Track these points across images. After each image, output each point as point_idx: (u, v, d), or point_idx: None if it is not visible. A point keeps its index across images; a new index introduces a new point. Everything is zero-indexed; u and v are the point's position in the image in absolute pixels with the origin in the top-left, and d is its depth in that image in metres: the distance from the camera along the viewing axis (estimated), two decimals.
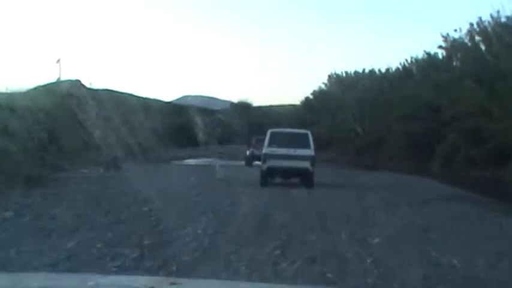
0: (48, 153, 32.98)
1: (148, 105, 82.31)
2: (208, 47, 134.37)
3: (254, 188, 20.57)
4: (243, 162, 40.81)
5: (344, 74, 57.22)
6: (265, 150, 21.17)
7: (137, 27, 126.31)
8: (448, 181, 27.35)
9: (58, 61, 52.37)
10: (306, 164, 20.52)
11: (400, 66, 47.87)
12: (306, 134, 21.63)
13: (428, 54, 44.51)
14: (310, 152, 20.77)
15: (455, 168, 34.25)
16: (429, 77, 41.92)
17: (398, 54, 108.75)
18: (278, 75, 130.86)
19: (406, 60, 47.74)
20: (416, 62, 45.88)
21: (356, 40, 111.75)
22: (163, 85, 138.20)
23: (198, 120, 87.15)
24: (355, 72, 56.15)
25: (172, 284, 2.30)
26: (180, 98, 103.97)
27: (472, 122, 31.80)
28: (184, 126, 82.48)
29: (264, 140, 22.15)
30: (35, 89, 52.93)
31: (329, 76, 58.48)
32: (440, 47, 43.86)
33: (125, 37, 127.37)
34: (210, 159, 49.93)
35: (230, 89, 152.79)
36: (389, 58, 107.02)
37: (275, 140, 21.04)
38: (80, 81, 62.60)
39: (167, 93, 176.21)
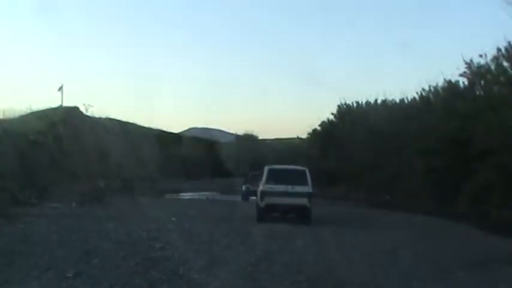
0: (15, 184, 28.12)
1: (152, 136, 78.42)
2: (216, 79, 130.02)
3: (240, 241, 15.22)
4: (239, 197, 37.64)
5: (355, 105, 51.82)
6: (263, 187, 20.51)
7: (148, 59, 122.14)
8: (488, 228, 21.77)
9: (60, 88, 49.40)
10: (304, 201, 20.08)
11: (416, 96, 42.45)
12: (304, 171, 21.08)
13: (449, 82, 39.15)
14: (308, 188, 20.32)
15: (486, 210, 28.65)
16: (451, 107, 36.50)
17: (412, 84, 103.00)
18: (285, 108, 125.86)
19: (424, 89, 42.34)
20: (435, 90, 40.44)
21: (366, 70, 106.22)
22: (170, 117, 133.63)
23: (200, 152, 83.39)
24: (367, 102, 50.82)
25: None
26: (187, 130, 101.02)
27: (510, 155, 26.28)
28: (187, 158, 79.32)
29: (259, 175, 21.80)
30: (27, 115, 48.55)
31: (338, 107, 53.06)
32: (462, 74, 38.67)
33: (134, 69, 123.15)
34: (208, 193, 44.86)
35: (237, 122, 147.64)
36: (403, 88, 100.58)
37: (272, 177, 20.49)
38: (78, 108, 58.30)
39: (174, 125, 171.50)
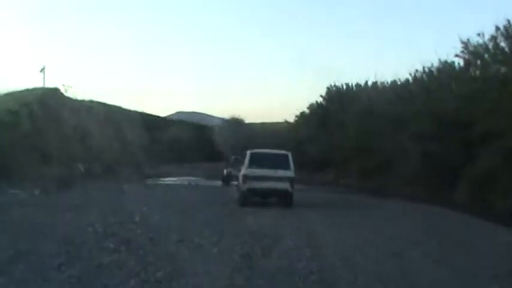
0: None
1: (137, 119, 75.59)
2: (203, 63, 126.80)
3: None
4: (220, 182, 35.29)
5: (344, 87, 48.99)
6: (245, 171, 20.05)
7: (135, 43, 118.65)
8: (493, 219, 19.13)
9: (42, 70, 48.05)
10: (286, 186, 19.75)
11: (410, 77, 39.72)
12: (286, 155, 20.51)
13: (445, 62, 36.50)
14: (290, 173, 19.89)
15: (488, 198, 26.11)
16: (447, 88, 33.91)
17: (404, 66, 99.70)
18: (273, 91, 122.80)
19: (417, 70, 39.65)
20: (429, 71, 37.73)
21: (356, 51, 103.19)
22: (157, 101, 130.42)
23: (188, 136, 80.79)
24: (357, 85, 47.99)
25: None
26: (174, 114, 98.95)
27: None
28: (174, 142, 76.86)
29: (241, 159, 21.57)
30: (2, 95, 45.78)
31: (328, 89, 50.21)
32: (458, 55, 36.04)
33: (122, 52, 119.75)
34: (192, 178, 42.05)
35: (224, 106, 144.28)
36: (395, 70, 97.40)
37: (255, 161, 20.09)
38: (58, 89, 55.31)
39: (161, 109, 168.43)
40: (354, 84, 48.45)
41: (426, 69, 38.43)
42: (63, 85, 52.02)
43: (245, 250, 10.25)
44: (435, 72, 37.21)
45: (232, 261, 9.27)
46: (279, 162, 20.07)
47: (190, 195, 23.98)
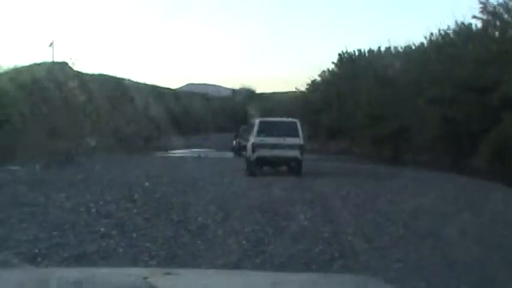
0: None
1: (147, 92, 74.60)
2: (213, 34, 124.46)
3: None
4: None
5: (357, 53, 47.09)
6: (254, 139, 19.68)
7: (144, 17, 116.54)
8: None
9: (51, 44, 47.60)
10: (296, 153, 19.42)
11: (425, 41, 37.81)
12: (295, 123, 20.45)
13: (462, 24, 34.62)
14: (299, 140, 19.70)
15: (509, 165, 24.58)
16: (465, 51, 32.14)
17: (418, 30, 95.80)
18: (283, 59, 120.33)
19: (432, 34, 37.75)
20: (445, 34, 35.85)
21: (366, 17, 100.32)
22: (168, 73, 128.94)
23: (198, 107, 79.70)
24: (370, 50, 46.06)
25: (167, 274, 2.19)
26: (184, 86, 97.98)
27: None
28: (184, 113, 76.06)
29: (250, 129, 21.42)
30: (9, 70, 44.92)
31: (339, 55, 48.23)
32: (475, 16, 34.13)
33: (132, 25, 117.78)
34: (202, 150, 40.79)
35: (235, 77, 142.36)
36: (408, 35, 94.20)
37: (264, 129, 19.78)
38: (66, 63, 54.18)
39: (172, 81, 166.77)
40: (366, 50, 46.58)
41: (442, 32, 36.65)
42: (71, 58, 51.08)
43: (254, 231, 8.86)
44: (452, 35, 35.40)
45: (239, 246, 7.89)
46: (288, 130, 19.80)
47: (198, 168, 22.60)
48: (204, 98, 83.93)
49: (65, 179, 17.07)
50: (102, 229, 8.88)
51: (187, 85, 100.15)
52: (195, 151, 39.62)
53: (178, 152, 38.99)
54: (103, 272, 2.49)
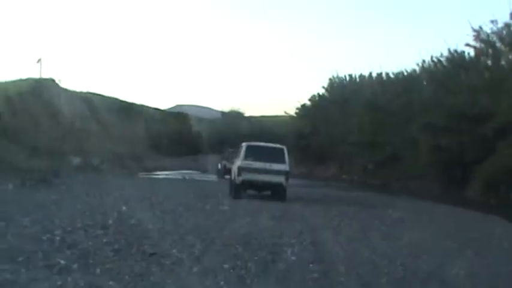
0: None
1: (136, 112, 73.53)
2: (204, 56, 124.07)
3: None
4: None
5: (347, 78, 46.35)
6: (241, 163, 19.62)
7: (135, 38, 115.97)
8: None
9: (39, 61, 48.65)
10: (281, 179, 19.27)
11: (417, 68, 37.15)
12: (282, 149, 20.23)
13: (455, 52, 34.00)
14: (285, 167, 19.53)
15: (505, 196, 23.68)
16: (458, 79, 31.47)
17: (409, 57, 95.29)
18: (274, 84, 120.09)
19: (424, 61, 37.09)
20: (438, 61, 35.18)
21: (357, 43, 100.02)
22: (158, 94, 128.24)
23: (187, 129, 78.57)
24: (360, 76, 45.40)
25: None
26: (174, 107, 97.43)
27: None
28: (172, 135, 74.86)
29: (236, 152, 21.31)
30: None
31: (330, 80, 47.55)
32: (468, 44, 33.57)
33: (125, 45, 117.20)
34: (188, 172, 39.63)
35: (224, 100, 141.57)
36: (399, 61, 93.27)
37: (250, 154, 19.68)
38: (53, 80, 53.08)
39: (162, 102, 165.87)
40: (357, 76, 45.92)
41: (435, 59, 36.01)
42: (57, 75, 50.23)
43: (235, 268, 7.75)
44: (444, 62, 34.73)
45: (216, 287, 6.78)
46: (275, 156, 19.70)
47: (181, 191, 21.43)
48: (195, 119, 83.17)
49: (37, 200, 15.86)
50: (62, 262, 7.73)
51: (176, 106, 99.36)
52: (181, 173, 38.41)
53: (163, 174, 37.70)
54: None
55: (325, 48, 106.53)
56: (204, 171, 40.70)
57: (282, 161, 19.57)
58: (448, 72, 33.76)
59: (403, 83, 36.22)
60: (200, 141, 77.39)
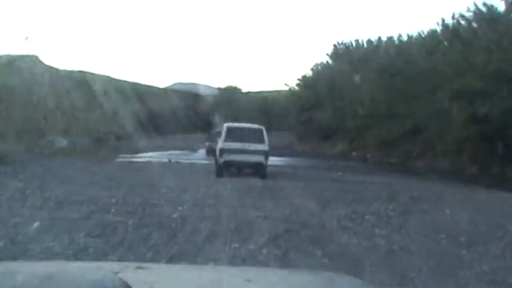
0: None
1: (128, 89, 68.86)
2: (201, 32, 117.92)
3: None
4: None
5: (354, 44, 40.41)
6: (222, 144, 19.94)
7: (132, 15, 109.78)
8: None
9: (26, 38, 50.67)
10: (260, 158, 19.52)
11: (438, 28, 31.29)
12: (261, 130, 20.56)
13: (484, 5, 28.24)
14: (264, 147, 19.79)
15: None
16: (494, 35, 25.72)
17: (418, 20, 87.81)
18: (273, 57, 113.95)
19: (443, 20, 31.27)
20: (464, 19, 29.37)
21: (360, 8, 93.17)
22: (155, 73, 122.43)
23: (183, 106, 74.05)
24: (368, 41, 39.46)
25: (138, 268, 2.05)
26: (172, 85, 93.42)
27: None
28: (168, 112, 71.48)
29: (219, 133, 21.50)
30: None
31: (334, 46, 41.63)
32: None
33: (120, 24, 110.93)
34: (176, 152, 34.11)
35: (222, 76, 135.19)
36: (408, 25, 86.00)
37: (231, 135, 20.06)
38: (37, 57, 48.39)
39: (160, 80, 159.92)
40: (365, 41, 39.99)
41: (458, 17, 30.22)
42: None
43: None
44: (473, 17, 28.92)
45: None
46: (254, 136, 20.01)
47: (156, 180, 15.83)
48: (189, 96, 78.86)
49: None
50: None
51: (175, 84, 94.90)
52: (168, 154, 32.82)
53: (147, 156, 32.06)
54: (73, 266, 2.19)
55: (327, 16, 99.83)
56: (194, 150, 35.21)
57: (261, 141, 19.82)
58: (476, 30, 28.03)
59: (423, 45, 30.34)
60: (196, 119, 72.94)
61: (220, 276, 2.30)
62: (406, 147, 28.12)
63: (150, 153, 34.14)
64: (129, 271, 1.97)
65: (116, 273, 1.90)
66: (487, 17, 28.63)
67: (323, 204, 11.16)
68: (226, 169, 19.79)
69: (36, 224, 7.93)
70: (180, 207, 10.21)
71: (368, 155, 31.87)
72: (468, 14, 29.64)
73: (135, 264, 2.09)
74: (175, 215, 9.39)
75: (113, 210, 9.75)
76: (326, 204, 11.24)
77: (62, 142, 41.17)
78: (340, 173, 20.59)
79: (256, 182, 16.08)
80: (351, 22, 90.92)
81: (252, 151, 19.42)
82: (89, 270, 2.08)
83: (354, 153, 34.16)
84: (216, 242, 7.49)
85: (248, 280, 2.03)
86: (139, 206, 10.32)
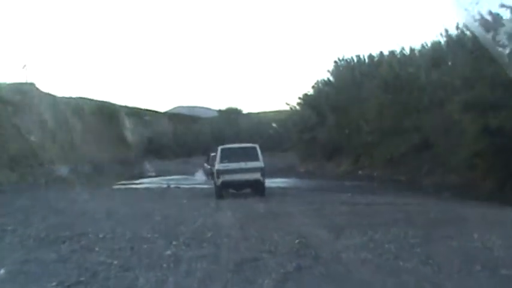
0: None
1: (131, 115, 68.73)
2: (201, 55, 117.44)
3: None
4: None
5: (355, 59, 39.33)
6: (218, 166, 20.09)
7: (135, 39, 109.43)
8: None
9: (24, 66, 49.20)
10: (257, 176, 19.92)
11: (441, 39, 30.25)
12: (255, 148, 20.65)
13: (489, 13, 27.18)
14: (259, 164, 20.05)
15: None
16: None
17: (419, 32, 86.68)
18: (272, 78, 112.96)
19: (447, 31, 30.24)
20: (468, 29, 28.30)
21: (359, 24, 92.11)
22: (155, 97, 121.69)
23: (185, 130, 73.24)
24: (370, 56, 38.43)
25: None
26: (173, 109, 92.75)
27: None
28: (169, 136, 71.17)
29: (215, 156, 21.22)
30: None
31: (335, 63, 40.57)
32: (504, 5, 26.87)
33: (120, 50, 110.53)
34: (176, 177, 33.04)
35: (223, 99, 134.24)
36: (408, 39, 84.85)
37: (226, 156, 20.30)
38: (34, 84, 47.70)
39: (161, 104, 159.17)
40: (366, 56, 38.95)
41: (461, 27, 29.19)
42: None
43: None
44: (478, 26, 27.83)
45: None
46: (248, 155, 20.18)
47: (152, 209, 14.64)
48: (190, 120, 78.08)
49: None
50: None
51: (175, 108, 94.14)
52: (167, 179, 31.64)
53: (146, 182, 30.89)
54: None
55: (325, 33, 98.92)
56: (193, 174, 34.08)
57: (256, 159, 19.94)
58: (481, 39, 26.93)
59: (427, 57, 29.26)
60: (197, 142, 71.99)
61: None
62: (415, 163, 26.89)
63: (149, 179, 33.05)
64: None
65: None
66: (493, 27, 27.65)
67: (336, 232, 9.92)
68: (225, 190, 20.10)
69: (1, 272, 6.72)
70: (174, 242, 9.00)
71: (375, 174, 30.61)
72: (475, 23, 28.74)
73: None
74: (168, 252, 8.17)
75: (97, 248, 8.53)
76: (339, 231, 9.99)
77: (63, 170, 40.28)
78: (349, 194, 19.32)
79: (258, 207, 14.81)
80: (350, 38, 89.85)
81: (248, 169, 19.75)
82: None
83: (360, 172, 32.89)
84: (213, 287, 6.27)
85: None
86: (128, 241, 9.12)
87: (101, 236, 9.84)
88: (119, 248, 8.47)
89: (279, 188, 24.86)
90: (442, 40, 30.41)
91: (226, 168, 19.79)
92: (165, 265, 7.25)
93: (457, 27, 29.49)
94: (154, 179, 33.01)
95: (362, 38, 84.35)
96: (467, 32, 29.03)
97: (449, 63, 26.58)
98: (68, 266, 7.24)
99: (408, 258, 7.67)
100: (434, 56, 28.72)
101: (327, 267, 7.19)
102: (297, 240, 8.99)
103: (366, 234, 9.66)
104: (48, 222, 12.21)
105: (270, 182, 26.49)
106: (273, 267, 7.14)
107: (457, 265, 7.19)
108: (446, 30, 30.32)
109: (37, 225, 11.66)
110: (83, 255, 8.02)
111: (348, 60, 39.64)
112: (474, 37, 28.36)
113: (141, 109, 73.85)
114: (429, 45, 31.77)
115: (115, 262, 7.45)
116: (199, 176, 30.84)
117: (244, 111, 78.40)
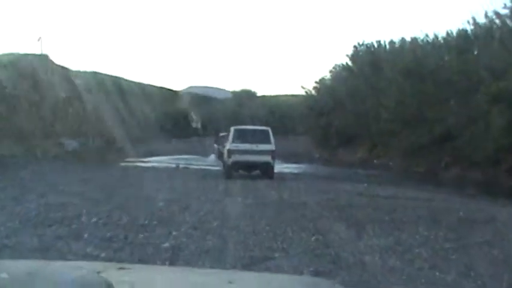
0: None
1: (142, 92, 67.52)
2: (215, 34, 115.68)
3: None
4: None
5: (375, 45, 37.83)
6: (230, 146, 20.28)
7: (148, 18, 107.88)
8: None
9: (39, 39, 44.79)
10: (268, 158, 20.03)
11: (468, 27, 28.77)
12: (267, 130, 20.90)
13: None
14: (271, 146, 20.20)
15: None
16: None
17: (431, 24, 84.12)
18: (289, 61, 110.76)
19: (474, 18, 28.75)
20: (499, 18, 26.85)
21: (376, 8, 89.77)
22: (169, 75, 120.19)
23: (197, 110, 72.42)
24: (391, 42, 36.89)
25: (121, 268, 1.99)
26: (186, 89, 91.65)
27: None
28: (179, 115, 70.36)
29: (227, 136, 21.90)
30: None
31: (355, 48, 39.09)
32: None
33: (135, 26, 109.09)
34: (185, 157, 32.03)
35: (237, 80, 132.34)
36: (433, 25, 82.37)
37: (238, 136, 20.54)
38: (47, 56, 46.68)
39: (175, 83, 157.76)
40: (387, 42, 37.42)
41: (490, 15, 27.71)
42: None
43: None
44: (506, 17, 26.36)
45: None
46: (260, 137, 20.34)
47: (155, 191, 13.53)
48: (203, 100, 77.08)
49: None
50: None
51: (189, 87, 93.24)
52: (177, 158, 30.61)
53: (154, 161, 29.84)
54: (56, 265, 2.09)
55: (344, 17, 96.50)
56: (205, 155, 33.11)
57: (268, 142, 20.07)
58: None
59: (453, 46, 27.79)
60: (210, 123, 71.22)
61: (203, 278, 2.24)
62: (434, 155, 25.57)
63: (159, 157, 32.00)
64: (111, 271, 1.91)
65: (98, 272, 1.86)
66: None
67: (356, 229, 8.77)
68: (235, 170, 20.24)
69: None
70: (175, 232, 7.90)
71: (391, 163, 29.33)
72: (504, 12, 27.27)
73: (117, 265, 2.02)
74: (165, 245, 7.07)
75: (85, 235, 7.45)
76: (359, 228, 8.84)
77: (72, 144, 39.50)
78: (365, 185, 18.05)
79: (271, 195, 13.68)
80: (370, 23, 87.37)
81: (259, 151, 19.84)
82: (72, 269, 2.03)
83: (375, 161, 31.60)
84: None
85: (230, 282, 1.96)
86: (123, 229, 8.03)
87: (94, 220, 8.78)
88: (110, 237, 7.40)
89: (292, 173, 23.71)
90: (469, 28, 29.01)
91: (237, 148, 19.91)
92: (159, 262, 6.15)
93: (486, 16, 28.09)
94: (163, 158, 31.92)
95: (382, 23, 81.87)
96: (497, 21, 27.66)
97: (475, 53, 25.15)
98: (46, 257, 6.15)
99: (445, 268, 6.53)
100: (460, 45, 27.26)
101: (350, 275, 6.06)
102: (313, 237, 7.87)
103: (391, 234, 8.52)
104: (43, 201, 11.19)
105: (283, 167, 25.46)
106: (286, 271, 6.03)
107: (506, 281, 6.02)
108: (474, 19, 28.88)
109: (29, 204, 10.63)
110: (68, 243, 6.95)
111: (368, 45, 38.15)
112: (504, 26, 26.99)
113: (154, 86, 73.04)
114: (454, 33, 30.34)
115: (102, 255, 6.36)
116: (212, 158, 29.94)
117: (259, 94, 77.29)
